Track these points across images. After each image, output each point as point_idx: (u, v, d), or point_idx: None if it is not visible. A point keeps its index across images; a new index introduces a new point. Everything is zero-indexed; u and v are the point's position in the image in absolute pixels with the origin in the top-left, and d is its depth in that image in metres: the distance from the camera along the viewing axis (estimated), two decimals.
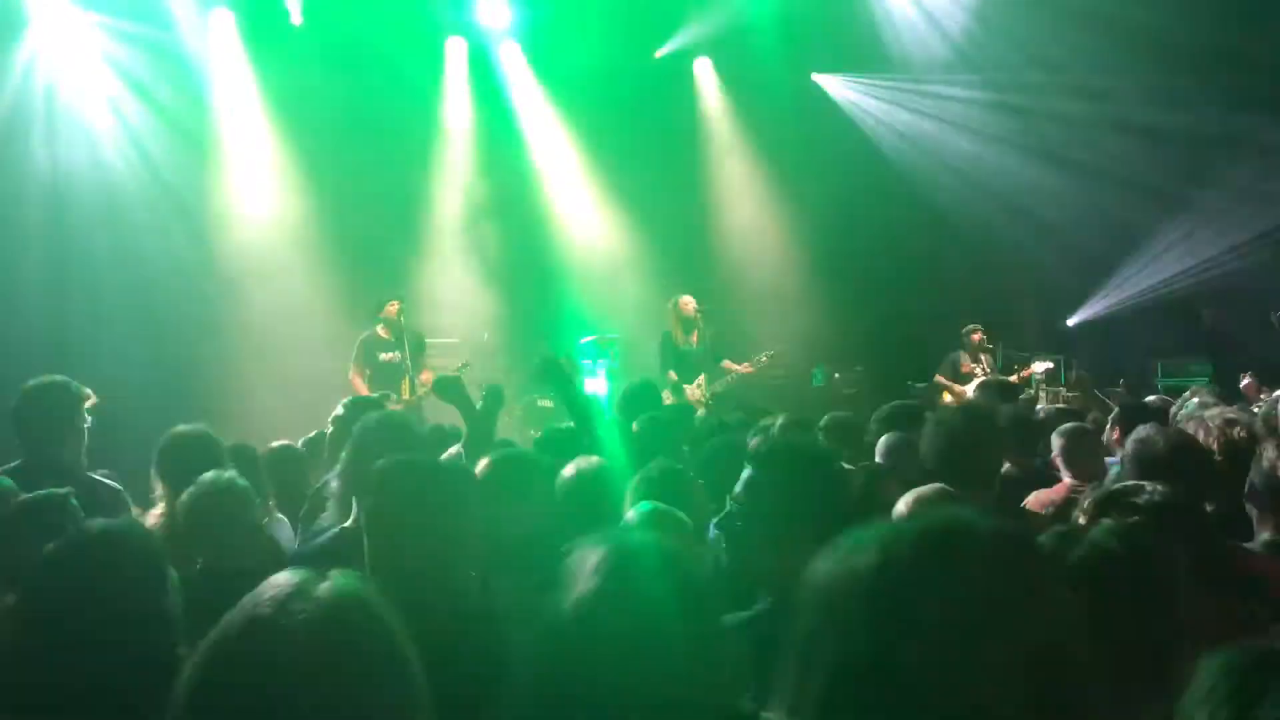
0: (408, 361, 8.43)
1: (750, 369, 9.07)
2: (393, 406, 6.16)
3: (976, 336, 9.94)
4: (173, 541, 2.88)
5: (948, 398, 9.81)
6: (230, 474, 3.17)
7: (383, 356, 8.44)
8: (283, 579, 1.16)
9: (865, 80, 11.83)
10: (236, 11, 10.06)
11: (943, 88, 11.29)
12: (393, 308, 8.50)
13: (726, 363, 9.07)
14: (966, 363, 9.85)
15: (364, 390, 8.23)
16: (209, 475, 3.14)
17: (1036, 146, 10.94)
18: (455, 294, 10.44)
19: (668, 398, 8.09)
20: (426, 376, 8.56)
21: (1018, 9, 10.45)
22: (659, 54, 11.51)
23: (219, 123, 9.95)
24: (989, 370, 9.75)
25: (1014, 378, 9.85)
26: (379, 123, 10.17)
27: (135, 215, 9.24)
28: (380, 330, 8.54)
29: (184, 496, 3.10)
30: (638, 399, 5.04)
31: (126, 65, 9.43)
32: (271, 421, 7.28)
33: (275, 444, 4.41)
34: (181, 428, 3.64)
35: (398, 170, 10.53)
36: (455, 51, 11.09)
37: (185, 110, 9.70)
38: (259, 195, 9.99)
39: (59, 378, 3.89)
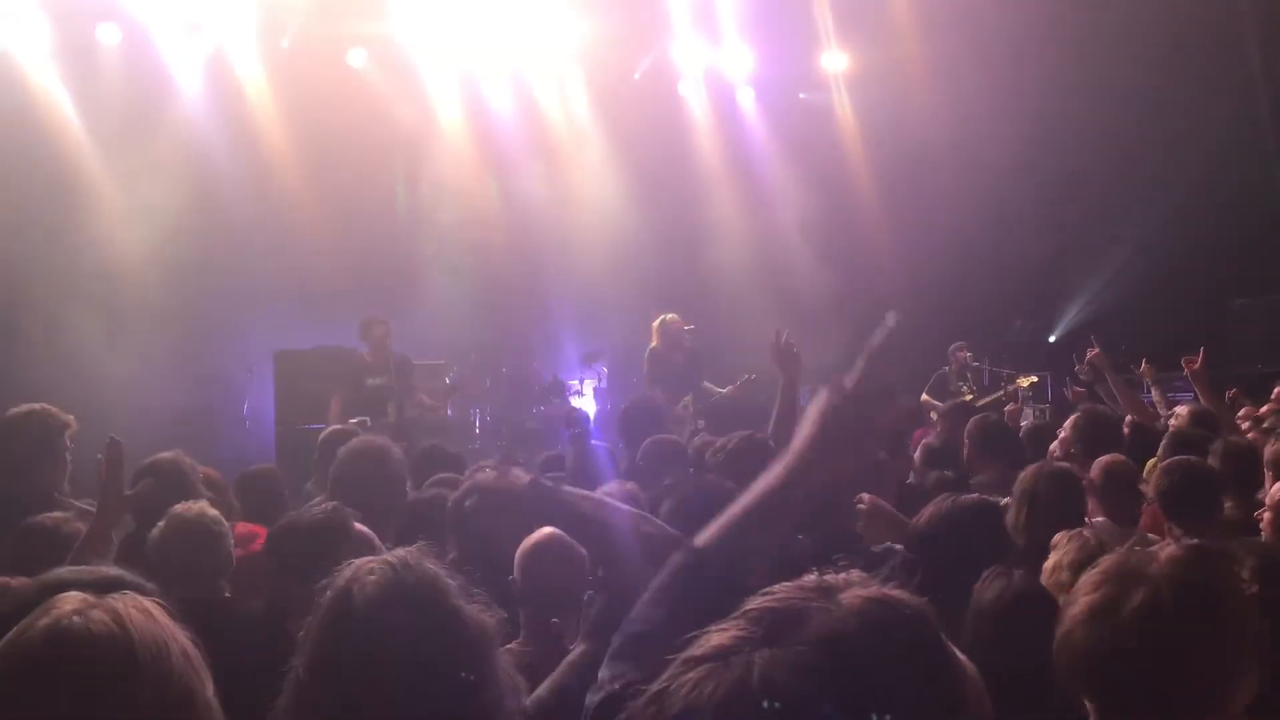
0: (394, 385, 8.38)
1: (734, 390, 8.91)
2: (375, 431, 6.12)
3: (962, 355, 9.98)
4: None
5: (933, 414, 9.86)
6: (201, 504, 3.15)
7: (370, 381, 8.39)
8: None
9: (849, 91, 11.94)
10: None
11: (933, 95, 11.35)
12: (379, 331, 8.47)
13: (707, 384, 8.93)
14: (953, 381, 9.89)
15: (337, 414, 8.13)
16: (180, 507, 3.11)
17: (1020, 157, 11.04)
18: (441, 314, 10.45)
19: None
20: (421, 399, 8.55)
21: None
22: (638, 75, 11.59)
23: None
24: (975, 389, 9.78)
25: (1000, 394, 9.90)
26: (364, 138, 10.24)
27: None
28: (366, 355, 8.50)
29: (155, 530, 3.07)
30: (641, 419, 4.87)
31: None
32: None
33: (253, 468, 4.42)
34: (157, 456, 3.63)
35: (383, 187, 10.57)
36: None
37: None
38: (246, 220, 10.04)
39: (38, 406, 3.89)
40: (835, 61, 11.84)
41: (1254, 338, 10.71)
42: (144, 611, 1.36)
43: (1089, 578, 1.54)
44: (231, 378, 9.44)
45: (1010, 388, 9.88)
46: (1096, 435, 4.51)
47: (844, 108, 12.02)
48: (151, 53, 9.84)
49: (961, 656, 0.91)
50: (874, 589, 0.87)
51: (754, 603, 0.86)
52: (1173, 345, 10.56)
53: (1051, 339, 11.97)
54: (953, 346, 10.01)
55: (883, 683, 0.79)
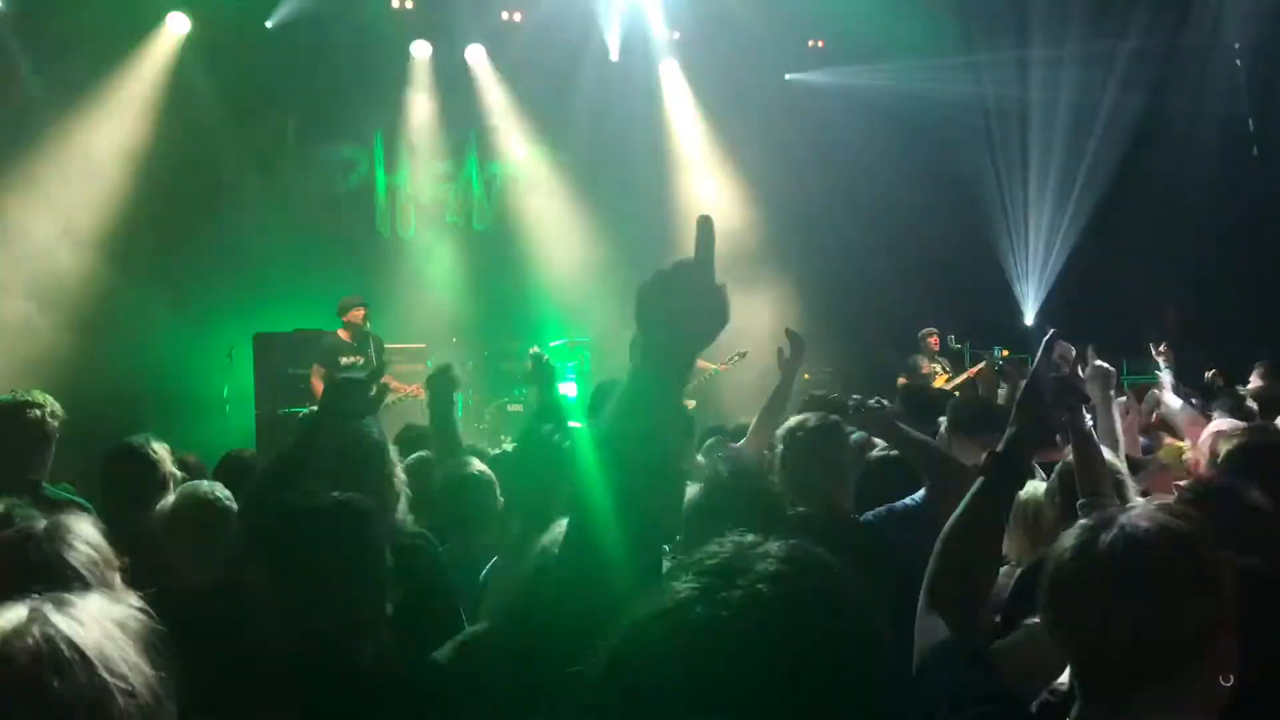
0: (370, 365, 8.34)
1: (725, 368, 8.92)
2: None
3: (934, 340, 10.07)
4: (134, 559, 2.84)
5: None
6: (213, 486, 3.11)
7: (343, 360, 8.34)
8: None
9: (833, 79, 11.94)
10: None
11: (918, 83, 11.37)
12: (356, 312, 8.42)
13: (701, 362, 8.92)
14: (925, 364, 9.95)
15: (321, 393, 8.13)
16: (191, 486, 3.07)
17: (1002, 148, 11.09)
18: (422, 297, 10.40)
19: None
20: (393, 383, 8.48)
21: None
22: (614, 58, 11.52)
23: None
24: (948, 370, 9.85)
25: (980, 366, 9.96)
26: (345, 120, 10.16)
27: None
28: (342, 333, 8.46)
29: (166, 508, 3.02)
30: (609, 399, 4.83)
31: None
32: None
33: (235, 452, 4.38)
34: (126, 440, 3.57)
35: (362, 170, 10.50)
36: (421, 53, 11.10)
37: None
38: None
39: (39, 394, 3.80)
40: (816, 43, 11.90)
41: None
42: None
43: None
44: (210, 361, 9.37)
45: (987, 361, 9.96)
46: None
47: (825, 89, 12.04)
48: (130, 21, 9.72)
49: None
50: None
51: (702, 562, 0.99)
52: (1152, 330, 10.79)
53: (1029, 321, 12.07)
54: (923, 332, 10.09)
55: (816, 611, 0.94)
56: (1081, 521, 1.54)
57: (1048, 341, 2.03)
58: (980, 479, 1.87)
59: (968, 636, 1.71)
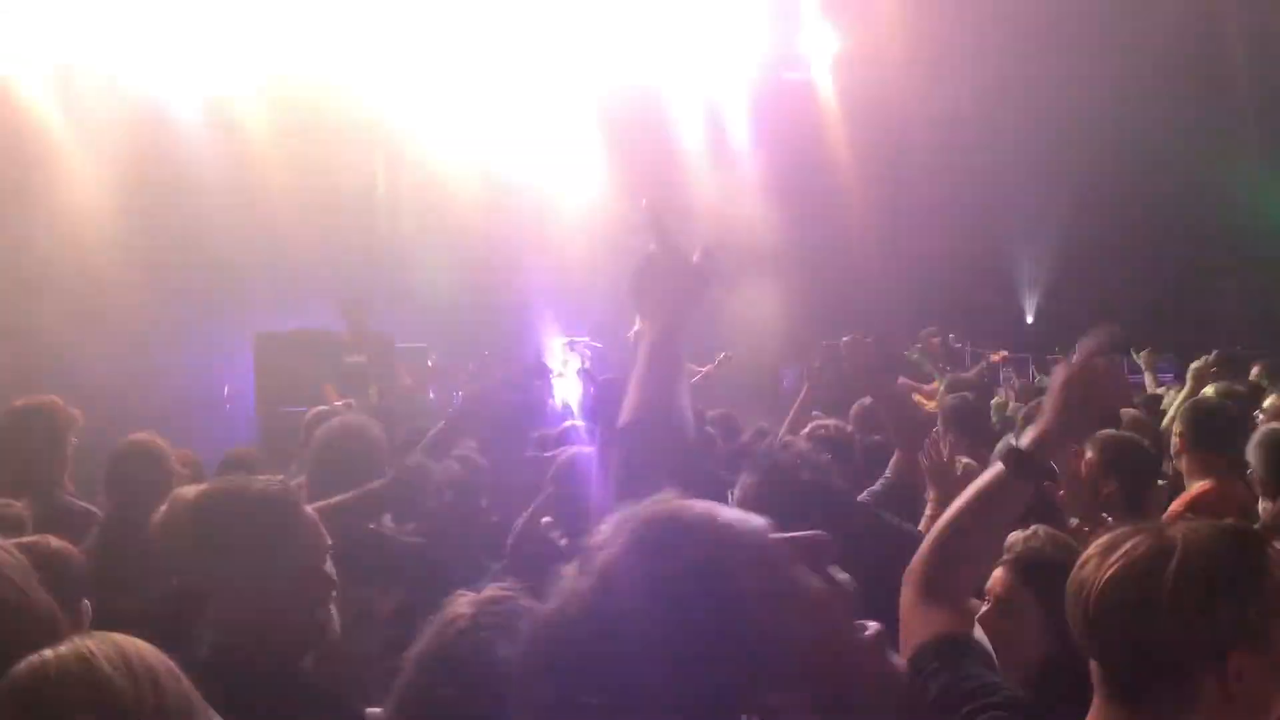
0: (374, 364, 8.35)
1: (713, 369, 8.91)
2: (355, 411, 6.07)
3: (935, 341, 10.06)
4: (132, 557, 2.83)
5: (917, 398, 9.91)
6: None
7: (349, 359, 8.35)
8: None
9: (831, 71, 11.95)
10: None
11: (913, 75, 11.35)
12: (357, 311, 8.43)
13: (689, 365, 8.87)
14: (926, 363, 9.95)
15: (333, 396, 8.14)
16: (185, 490, 3.05)
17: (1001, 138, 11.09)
18: (423, 296, 10.39)
19: None
20: (403, 379, 8.51)
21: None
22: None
23: None
24: (948, 370, 9.84)
25: (973, 371, 9.95)
26: (344, 120, 10.16)
27: None
28: (345, 334, 8.47)
29: (159, 514, 3.00)
30: (614, 399, 4.79)
31: None
32: None
33: (235, 450, 4.39)
34: (131, 438, 3.58)
35: (363, 169, 10.51)
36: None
37: None
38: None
39: (45, 399, 3.80)
40: (818, 41, 11.87)
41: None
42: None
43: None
44: (211, 361, 9.38)
45: (984, 365, 9.95)
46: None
47: (826, 88, 12.02)
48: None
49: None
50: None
51: None
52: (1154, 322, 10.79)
53: (1029, 319, 12.08)
54: (924, 332, 10.08)
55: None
56: (1115, 529, 1.56)
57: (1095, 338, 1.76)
58: (996, 470, 1.73)
59: (961, 632, 1.69)
